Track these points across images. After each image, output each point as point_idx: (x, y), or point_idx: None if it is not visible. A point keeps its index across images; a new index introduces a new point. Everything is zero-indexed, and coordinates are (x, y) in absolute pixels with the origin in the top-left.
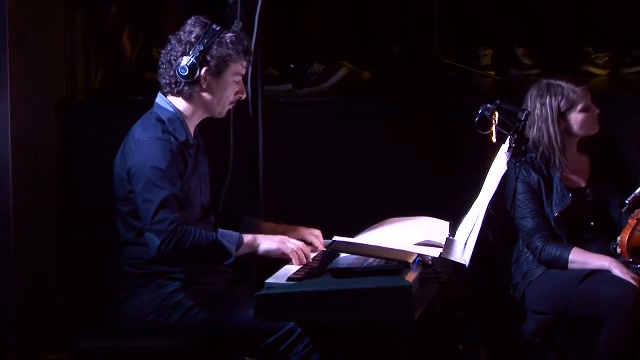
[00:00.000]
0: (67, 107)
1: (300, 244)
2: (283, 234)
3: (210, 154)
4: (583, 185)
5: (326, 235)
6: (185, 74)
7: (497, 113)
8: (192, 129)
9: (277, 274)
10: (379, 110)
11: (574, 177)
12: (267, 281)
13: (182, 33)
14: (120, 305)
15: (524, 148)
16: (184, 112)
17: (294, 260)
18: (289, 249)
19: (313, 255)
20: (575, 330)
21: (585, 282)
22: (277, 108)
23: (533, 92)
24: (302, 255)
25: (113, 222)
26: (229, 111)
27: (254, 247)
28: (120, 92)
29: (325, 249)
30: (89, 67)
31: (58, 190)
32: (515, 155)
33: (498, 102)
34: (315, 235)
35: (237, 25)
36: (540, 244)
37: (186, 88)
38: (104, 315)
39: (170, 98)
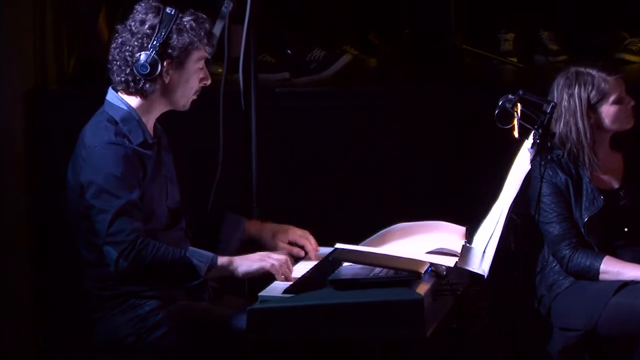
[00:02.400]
0: (36, 97)
1: (283, 258)
2: (272, 234)
3: (197, 151)
4: (616, 186)
5: (327, 242)
6: (146, 72)
7: (519, 105)
8: (150, 126)
9: (272, 285)
10: (387, 102)
11: (605, 177)
12: (260, 294)
13: (132, 22)
14: (92, 327)
15: (549, 144)
16: (139, 109)
17: (277, 277)
18: (269, 264)
19: (306, 262)
20: (607, 349)
21: (619, 294)
22: (272, 99)
23: (560, 82)
24: (286, 271)
25: (73, 240)
26: (217, 103)
27: (229, 270)
28: (95, 80)
29: (316, 253)
30: (60, 53)
31: (26, 190)
32: (539, 152)
33: (520, 92)
34: (307, 238)
35: (227, 5)
36: (567, 252)
37: (147, 85)
38: (76, 336)
39: (122, 94)
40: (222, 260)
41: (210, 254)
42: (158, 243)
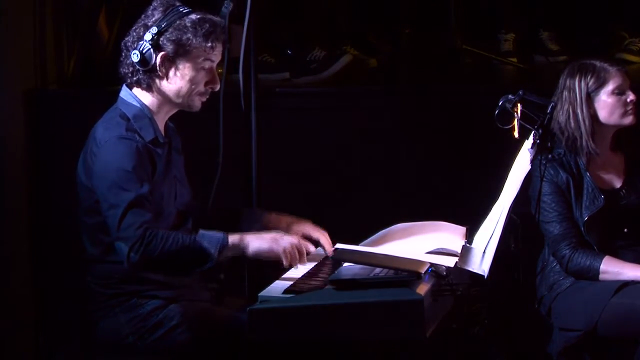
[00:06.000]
0: (36, 98)
1: (295, 241)
2: (287, 226)
3: (197, 151)
4: (617, 186)
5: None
6: (137, 60)
7: (519, 105)
8: (161, 125)
9: (273, 285)
10: (387, 102)
11: (606, 177)
12: (260, 294)
13: (143, 15)
14: (93, 326)
15: (549, 144)
16: (151, 107)
17: (284, 261)
18: (281, 247)
19: (314, 262)
20: (607, 350)
21: (618, 295)
22: (272, 99)
23: (565, 72)
24: (295, 255)
25: (78, 235)
26: (216, 102)
27: (241, 248)
28: (95, 81)
29: (332, 249)
30: (60, 54)
31: (26, 191)
32: (540, 152)
33: (521, 92)
34: (321, 233)
35: (227, 5)
36: (567, 251)
37: (143, 77)
38: (76, 335)
39: (135, 91)
40: (232, 238)
41: (220, 234)
42: (167, 232)
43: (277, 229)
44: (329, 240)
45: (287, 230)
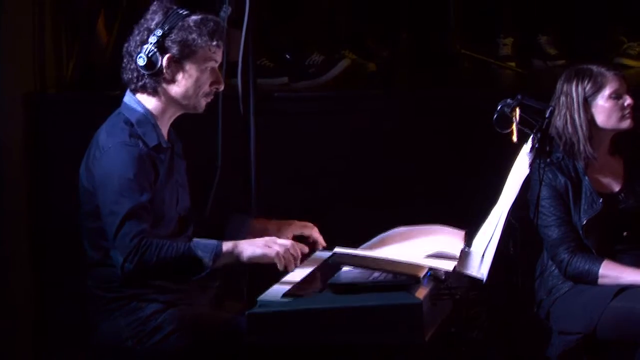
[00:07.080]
0: (35, 102)
1: (288, 244)
2: (277, 229)
3: (196, 155)
4: (615, 190)
5: (326, 246)
6: (143, 64)
7: (518, 109)
8: (165, 130)
9: (272, 289)
10: (385, 106)
11: (605, 181)
12: (259, 298)
13: (142, 20)
14: (93, 329)
15: (548, 148)
16: (155, 112)
17: (278, 265)
18: (274, 251)
19: (304, 268)
20: (606, 354)
21: (617, 298)
22: (271, 103)
23: (562, 77)
24: (290, 259)
25: (79, 239)
26: (215, 107)
27: (235, 255)
28: (94, 85)
29: (323, 243)
30: (59, 58)
31: (25, 195)
32: (538, 156)
33: (519, 96)
34: (312, 228)
35: (226, 9)
36: (566, 256)
37: (149, 81)
38: (75, 338)
39: (139, 96)
40: (226, 246)
41: (214, 242)
42: (162, 241)
43: (266, 233)
44: (319, 234)
45: (277, 234)
